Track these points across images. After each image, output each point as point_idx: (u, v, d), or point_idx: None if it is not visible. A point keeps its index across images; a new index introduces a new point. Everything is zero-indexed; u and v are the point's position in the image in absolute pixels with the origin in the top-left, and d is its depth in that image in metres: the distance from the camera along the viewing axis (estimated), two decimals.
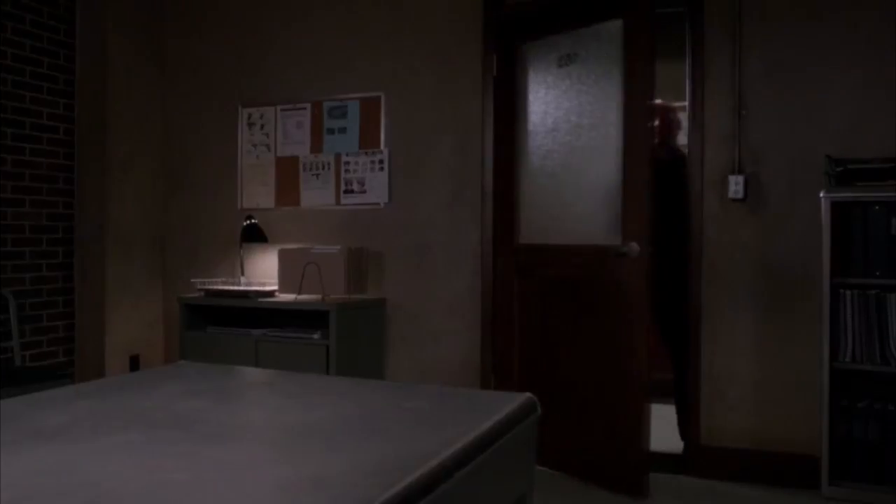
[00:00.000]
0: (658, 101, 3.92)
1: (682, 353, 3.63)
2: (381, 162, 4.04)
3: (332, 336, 3.60)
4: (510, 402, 1.44)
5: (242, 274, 4.23)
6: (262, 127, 4.32)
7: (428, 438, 1.18)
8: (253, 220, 4.16)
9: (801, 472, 3.24)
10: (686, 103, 3.64)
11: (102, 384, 1.55)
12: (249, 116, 4.36)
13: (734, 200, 3.45)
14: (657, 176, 3.67)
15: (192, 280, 4.17)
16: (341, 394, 1.50)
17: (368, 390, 1.55)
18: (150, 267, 4.50)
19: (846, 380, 3.06)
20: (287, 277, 3.88)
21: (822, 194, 2.99)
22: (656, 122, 3.84)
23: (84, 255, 4.25)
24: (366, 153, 4.07)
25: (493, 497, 1.25)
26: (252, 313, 3.98)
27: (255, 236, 4.15)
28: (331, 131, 4.16)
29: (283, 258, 3.92)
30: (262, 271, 4.24)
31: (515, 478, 1.37)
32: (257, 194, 4.33)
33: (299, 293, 3.83)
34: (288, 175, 4.26)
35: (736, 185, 3.45)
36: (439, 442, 1.14)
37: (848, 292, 3.06)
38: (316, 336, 3.67)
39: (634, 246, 3.17)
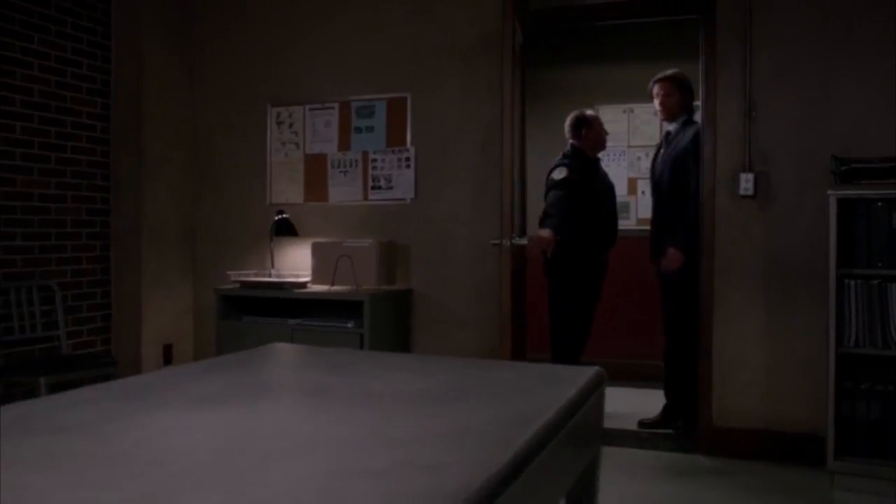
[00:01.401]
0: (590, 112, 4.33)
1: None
2: (407, 159, 4.24)
3: (367, 324, 3.81)
4: (584, 373, 1.66)
5: (273, 266, 4.43)
6: (290, 125, 4.52)
7: (532, 400, 1.40)
8: (284, 215, 4.35)
9: (807, 449, 3.49)
10: (700, 103, 3.89)
11: (218, 361, 1.75)
12: (278, 115, 4.55)
13: (744, 197, 3.69)
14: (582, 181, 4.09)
15: (228, 272, 4.35)
16: (433, 368, 1.72)
17: (452, 365, 1.77)
18: (181, 260, 4.68)
19: (850, 363, 3.30)
20: (320, 269, 4.09)
21: (829, 192, 3.22)
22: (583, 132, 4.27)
23: (120, 248, 4.43)
24: (392, 151, 4.28)
25: (582, 451, 1.47)
26: (283, 303, 4.17)
27: (285, 230, 4.34)
28: (358, 130, 4.36)
29: (317, 251, 4.13)
30: (292, 263, 4.44)
31: (594, 438, 1.59)
32: (286, 190, 4.53)
33: (332, 284, 4.03)
34: (316, 172, 4.45)
35: (746, 182, 3.69)
36: (543, 402, 1.35)
37: (852, 282, 3.29)
38: (350, 324, 3.87)
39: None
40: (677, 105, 4.10)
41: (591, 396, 1.55)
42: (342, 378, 1.58)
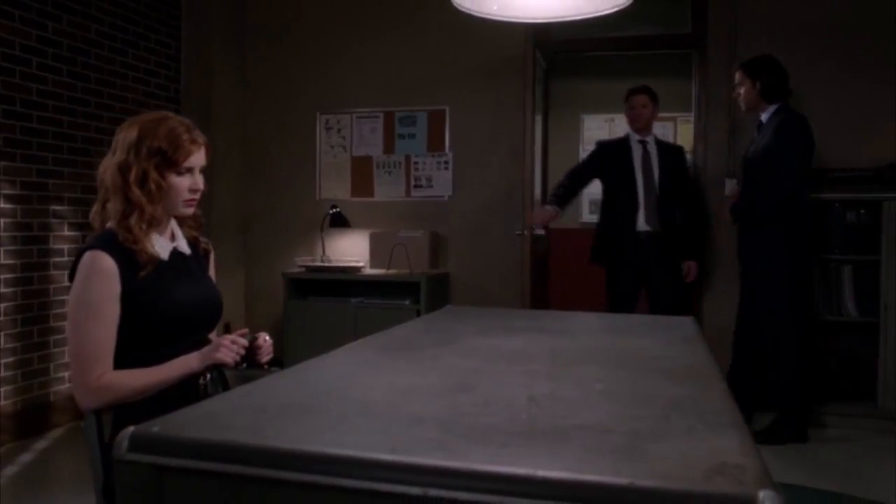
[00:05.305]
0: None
1: None
2: (445, 162, 4.99)
3: (423, 302, 4.54)
4: (687, 322, 2.46)
5: (324, 253, 5.09)
6: (338, 131, 5.19)
7: (673, 333, 2.19)
8: (337, 209, 5.02)
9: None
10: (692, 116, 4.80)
11: (438, 315, 2.47)
12: (327, 122, 5.21)
13: (728, 197, 4.59)
14: None
15: (296, 258, 5.00)
16: (576, 318, 2.50)
17: (585, 316, 2.55)
18: (236, 249, 5.28)
19: (813, 327, 4.27)
20: (377, 256, 4.79)
21: None
22: None
23: None
24: (432, 155, 5.01)
25: None
26: (341, 285, 4.85)
27: (338, 222, 5.01)
28: (401, 136, 5.07)
29: (374, 240, 4.83)
30: (341, 251, 5.11)
31: None
32: (334, 187, 5.20)
33: (388, 268, 4.74)
34: (362, 171, 5.14)
35: (729, 185, 4.60)
36: (684, 331, 2.15)
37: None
38: (407, 302, 4.60)
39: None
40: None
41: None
42: (534, 322, 2.34)
